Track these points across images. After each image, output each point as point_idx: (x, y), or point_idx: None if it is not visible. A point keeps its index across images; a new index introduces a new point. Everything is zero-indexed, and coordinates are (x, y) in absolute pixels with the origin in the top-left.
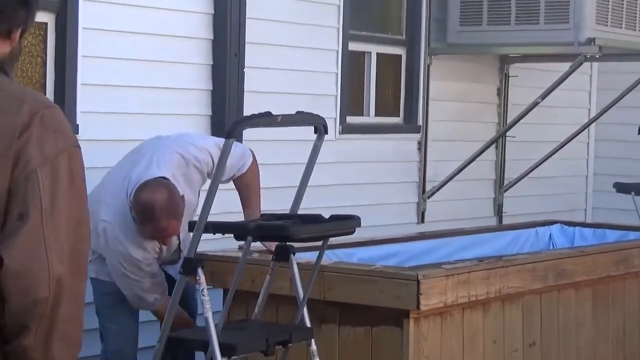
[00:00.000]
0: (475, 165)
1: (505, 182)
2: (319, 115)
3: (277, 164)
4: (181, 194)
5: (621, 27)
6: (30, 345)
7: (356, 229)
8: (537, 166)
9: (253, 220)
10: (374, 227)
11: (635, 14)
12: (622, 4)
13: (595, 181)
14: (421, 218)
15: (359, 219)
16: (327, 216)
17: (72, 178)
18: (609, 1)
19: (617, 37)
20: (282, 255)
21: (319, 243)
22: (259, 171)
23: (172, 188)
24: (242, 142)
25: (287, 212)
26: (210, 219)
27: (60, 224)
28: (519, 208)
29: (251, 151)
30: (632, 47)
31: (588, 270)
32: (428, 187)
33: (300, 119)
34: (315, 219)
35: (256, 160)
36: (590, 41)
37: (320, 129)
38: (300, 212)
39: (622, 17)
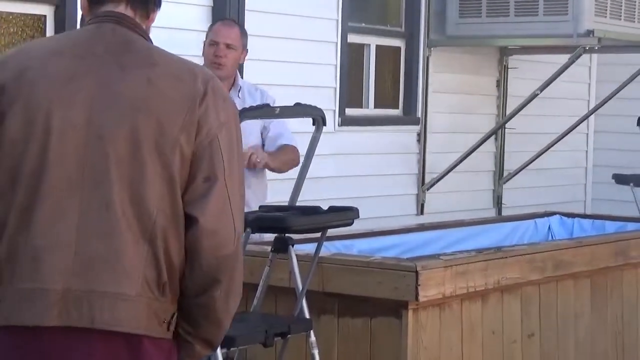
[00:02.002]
0: (474, 157)
1: (505, 173)
2: (317, 107)
3: None
4: None
5: (620, 19)
6: (218, 297)
7: (355, 220)
8: (537, 158)
9: (251, 212)
10: (373, 218)
11: (635, 5)
12: None
13: (594, 173)
14: (420, 210)
15: (357, 210)
16: (326, 208)
17: (239, 141)
18: None
19: (616, 28)
20: (281, 246)
21: (318, 235)
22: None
23: None
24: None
25: (286, 204)
26: None
27: (235, 184)
28: (518, 199)
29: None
30: (631, 39)
31: (586, 261)
32: (427, 179)
33: (298, 110)
34: (314, 210)
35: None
36: (589, 33)
37: (319, 120)
38: (299, 204)
39: (621, 9)
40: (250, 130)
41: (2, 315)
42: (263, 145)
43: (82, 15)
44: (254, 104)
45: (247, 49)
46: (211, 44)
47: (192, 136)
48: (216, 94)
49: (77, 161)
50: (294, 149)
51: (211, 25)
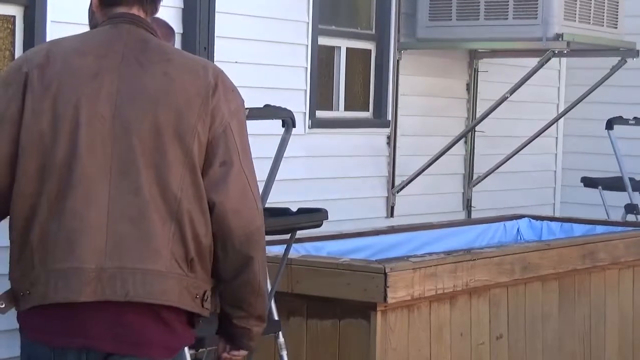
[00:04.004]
0: (444, 159)
1: (474, 176)
2: (286, 109)
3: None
4: None
5: (589, 23)
6: (257, 270)
7: (325, 222)
8: (506, 161)
9: None
10: (343, 221)
11: (603, 9)
12: (590, 0)
13: (563, 176)
14: (390, 212)
15: (326, 212)
16: (295, 210)
17: (246, 128)
18: None
19: (585, 32)
20: None
21: (287, 236)
22: None
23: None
24: None
25: None
26: None
27: (250, 166)
28: (487, 202)
29: None
30: (600, 43)
31: (554, 263)
32: (397, 182)
33: (268, 112)
34: (283, 212)
35: None
36: (559, 37)
37: (288, 122)
38: (269, 204)
39: (590, 13)
40: None
41: (37, 295)
42: None
43: (90, 16)
44: None
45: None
46: None
47: (207, 125)
48: (226, 86)
49: (105, 151)
50: None
51: None
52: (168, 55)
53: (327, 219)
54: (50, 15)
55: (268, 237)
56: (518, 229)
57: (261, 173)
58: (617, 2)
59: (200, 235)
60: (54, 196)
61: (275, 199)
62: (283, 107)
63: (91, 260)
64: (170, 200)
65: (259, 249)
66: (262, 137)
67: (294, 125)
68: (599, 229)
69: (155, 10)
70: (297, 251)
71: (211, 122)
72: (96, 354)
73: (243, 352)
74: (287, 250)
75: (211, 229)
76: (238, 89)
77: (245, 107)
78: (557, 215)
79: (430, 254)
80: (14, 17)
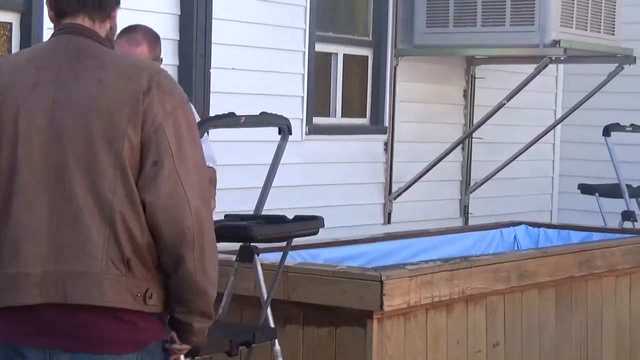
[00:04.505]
0: (441, 166)
1: (472, 183)
2: (282, 116)
3: (242, 165)
4: None
5: (586, 29)
6: (192, 269)
7: (322, 229)
8: (503, 167)
9: (216, 220)
10: (340, 227)
11: (600, 16)
12: (587, 6)
13: (561, 182)
14: (387, 219)
15: (322, 219)
16: (292, 217)
17: (189, 127)
18: (574, 3)
19: (582, 39)
20: (246, 255)
21: (284, 243)
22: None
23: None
24: (208, 143)
25: (252, 212)
26: None
27: (189, 165)
28: (485, 209)
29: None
30: (597, 49)
31: (551, 271)
32: (394, 188)
33: (264, 119)
34: (279, 219)
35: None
36: (555, 43)
37: (284, 129)
38: (265, 212)
39: (587, 19)
40: None
41: None
42: None
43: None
44: None
45: (162, 57)
46: None
47: (138, 127)
48: (161, 87)
49: (42, 160)
50: (214, 171)
51: (118, 34)
52: (103, 62)
53: (323, 226)
54: (46, 22)
55: (265, 245)
56: (515, 236)
57: (257, 180)
58: (614, 9)
59: (135, 236)
60: (1, 206)
61: (272, 206)
62: (279, 114)
63: (35, 265)
64: (103, 204)
65: (192, 247)
66: (258, 143)
67: (290, 133)
68: (596, 236)
69: (107, 17)
70: (294, 258)
71: (143, 124)
72: (62, 354)
73: (185, 347)
74: (283, 257)
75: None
76: (236, 95)
77: (241, 114)
78: (554, 222)
79: (426, 261)
80: (10, 23)
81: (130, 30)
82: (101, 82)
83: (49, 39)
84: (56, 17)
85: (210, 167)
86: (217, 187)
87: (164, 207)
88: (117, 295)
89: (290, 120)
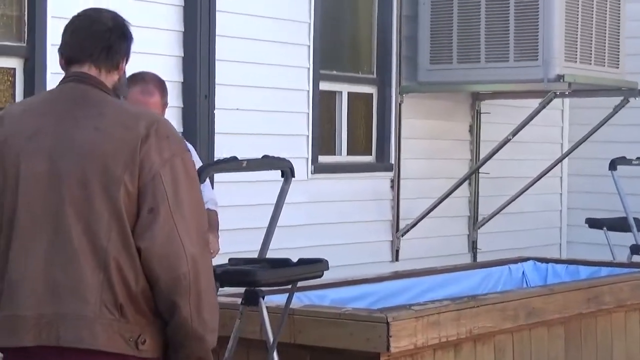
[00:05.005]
0: (448, 202)
1: (479, 218)
2: (285, 159)
3: (247, 205)
4: None
5: (590, 63)
6: (188, 315)
7: (331, 268)
8: (511, 202)
9: (220, 264)
10: (348, 266)
11: (604, 49)
12: (591, 40)
13: (569, 215)
14: (395, 256)
15: (326, 262)
16: (299, 257)
17: (187, 173)
18: (577, 38)
19: (586, 73)
20: (251, 299)
21: (289, 286)
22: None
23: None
24: (212, 187)
25: (256, 254)
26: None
27: (185, 212)
28: (493, 244)
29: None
30: (601, 83)
31: (559, 308)
32: (402, 225)
33: (266, 163)
34: (283, 263)
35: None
36: (560, 78)
37: (287, 172)
38: (273, 251)
39: (590, 53)
40: None
41: None
42: None
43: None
44: None
45: (167, 102)
46: None
47: (135, 174)
48: (159, 135)
49: (41, 204)
50: (216, 214)
51: (128, 83)
52: (102, 110)
53: (328, 269)
54: (50, 67)
55: (270, 288)
56: (523, 272)
57: (261, 220)
58: (618, 42)
59: (129, 282)
60: (2, 246)
61: (278, 246)
62: (281, 157)
63: (30, 308)
64: (98, 249)
65: (188, 294)
66: (263, 183)
67: (293, 175)
68: (605, 270)
69: (114, 68)
70: (300, 300)
71: (140, 171)
72: None
73: None
74: (288, 301)
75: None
76: (241, 136)
77: (243, 159)
78: (563, 255)
79: (433, 301)
80: (14, 69)
81: (141, 79)
82: (99, 129)
83: (56, 86)
84: (65, 64)
85: (212, 210)
86: (220, 229)
87: (159, 254)
88: (109, 339)
89: (296, 159)
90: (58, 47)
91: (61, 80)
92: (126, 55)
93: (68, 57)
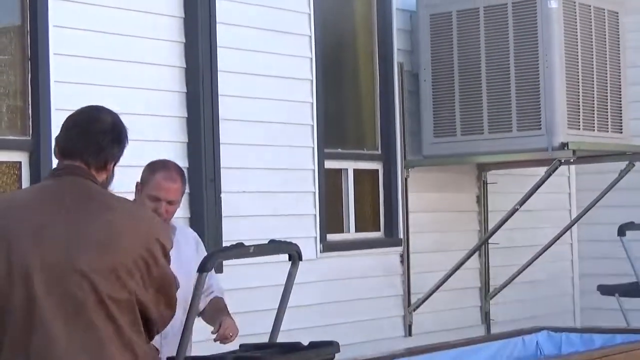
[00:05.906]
0: (459, 274)
1: (491, 289)
2: (292, 243)
3: (257, 287)
4: None
5: (593, 130)
6: None
7: (344, 345)
8: (522, 271)
9: (231, 351)
10: (360, 343)
11: (607, 115)
12: (593, 107)
13: (581, 282)
14: (408, 331)
15: (337, 344)
16: (311, 337)
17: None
18: (579, 105)
19: (591, 139)
20: None
21: None
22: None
23: None
24: (222, 272)
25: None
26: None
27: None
28: (506, 314)
29: None
30: (606, 149)
31: None
32: (413, 300)
33: (273, 248)
34: (294, 347)
35: None
36: (564, 145)
37: (294, 256)
38: (284, 332)
39: (593, 120)
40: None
41: None
42: None
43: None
44: (187, 243)
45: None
46: (152, 198)
47: (143, 268)
48: (162, 242)
49: (59, 293)
50: (224, 299)
51: (150, 172)
52: (112, 204)
53: (339, 351)
54: (55, 160)
55: None
56: (537, 343)
57: (272, 302)
58: (621, 107)
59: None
60: (17, 336)
61: (289, 327)
62: (288, 241)
63: None
64: (121, 331)
65: None
66: (271, 265)
67: (300, 259)
68: (619, 337)
69: (102, 166)
70: None
71: (147, 273)
72: None
73: None
74: None
75: None
76: (250, 218)
77: (249, 244)
78: (577, 322)
79: None
80: (19, 162)
81: (163, 166)
82: (112, 222)
83: (48, 177)
84: (60, 155)
85: (220, 297)
86: (231, 312)
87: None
88: None
89: (304, 239)
90: (56, 135)
91: (53, 172)
92: (116, 158)
93: (62, 149)
